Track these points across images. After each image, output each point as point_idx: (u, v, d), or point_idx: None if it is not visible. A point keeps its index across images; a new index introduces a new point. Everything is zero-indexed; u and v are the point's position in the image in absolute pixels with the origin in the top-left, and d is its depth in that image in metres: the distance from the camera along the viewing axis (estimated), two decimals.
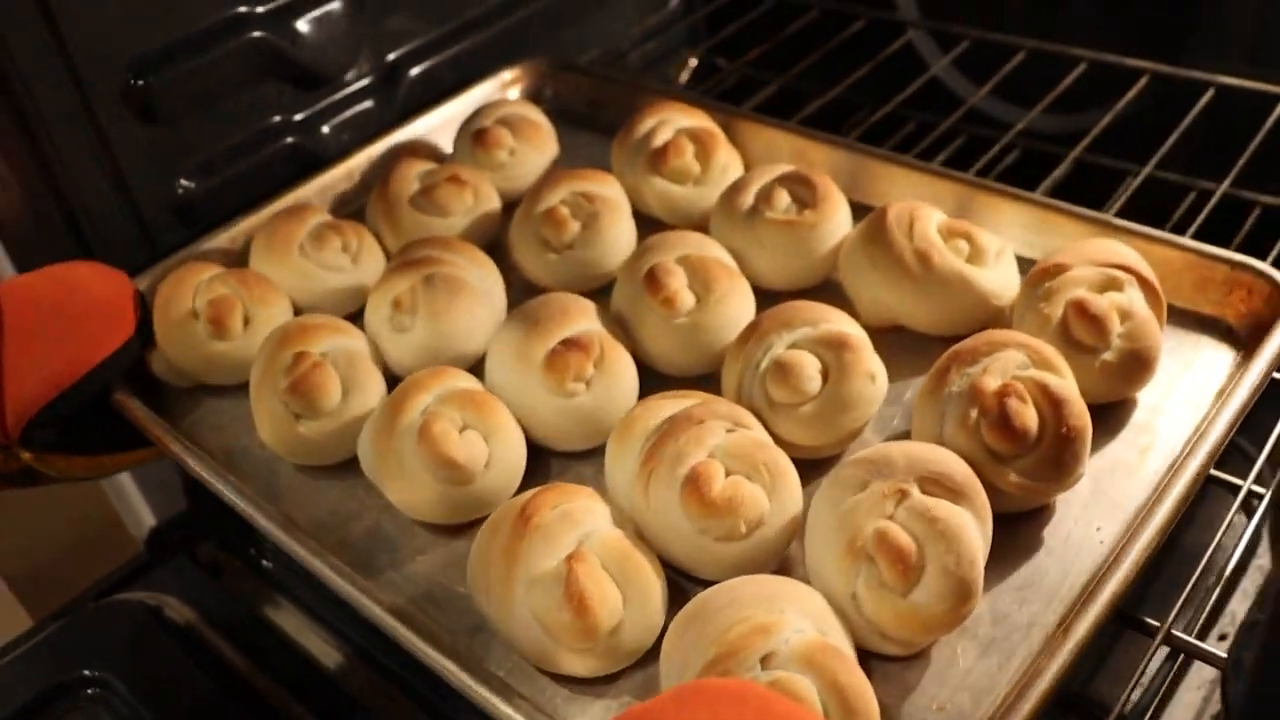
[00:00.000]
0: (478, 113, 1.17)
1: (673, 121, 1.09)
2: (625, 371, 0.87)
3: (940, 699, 0.69)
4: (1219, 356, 0.90)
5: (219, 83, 1.13)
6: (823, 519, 0.72)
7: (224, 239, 1.07)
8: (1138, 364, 0.84)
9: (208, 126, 1.14)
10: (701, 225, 1.03)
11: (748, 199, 0.98)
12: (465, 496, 0.80)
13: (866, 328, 0.90)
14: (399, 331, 0.92)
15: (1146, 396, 0.87)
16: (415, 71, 1.30)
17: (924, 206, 0.94)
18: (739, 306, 0.91)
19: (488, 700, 0.68)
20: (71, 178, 1.05)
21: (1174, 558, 0.89)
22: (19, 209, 1.08)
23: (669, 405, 0.80)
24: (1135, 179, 1.13)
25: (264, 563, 1.07)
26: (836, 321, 0.85)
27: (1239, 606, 0.92)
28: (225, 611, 1.00)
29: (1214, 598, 0.83)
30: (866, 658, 0.71)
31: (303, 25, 1.19)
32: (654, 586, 0.72)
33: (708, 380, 0.90)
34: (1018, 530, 0.78)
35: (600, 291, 0.98)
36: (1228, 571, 0.84)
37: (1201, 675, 0.87)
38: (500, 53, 1.34)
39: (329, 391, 0.86)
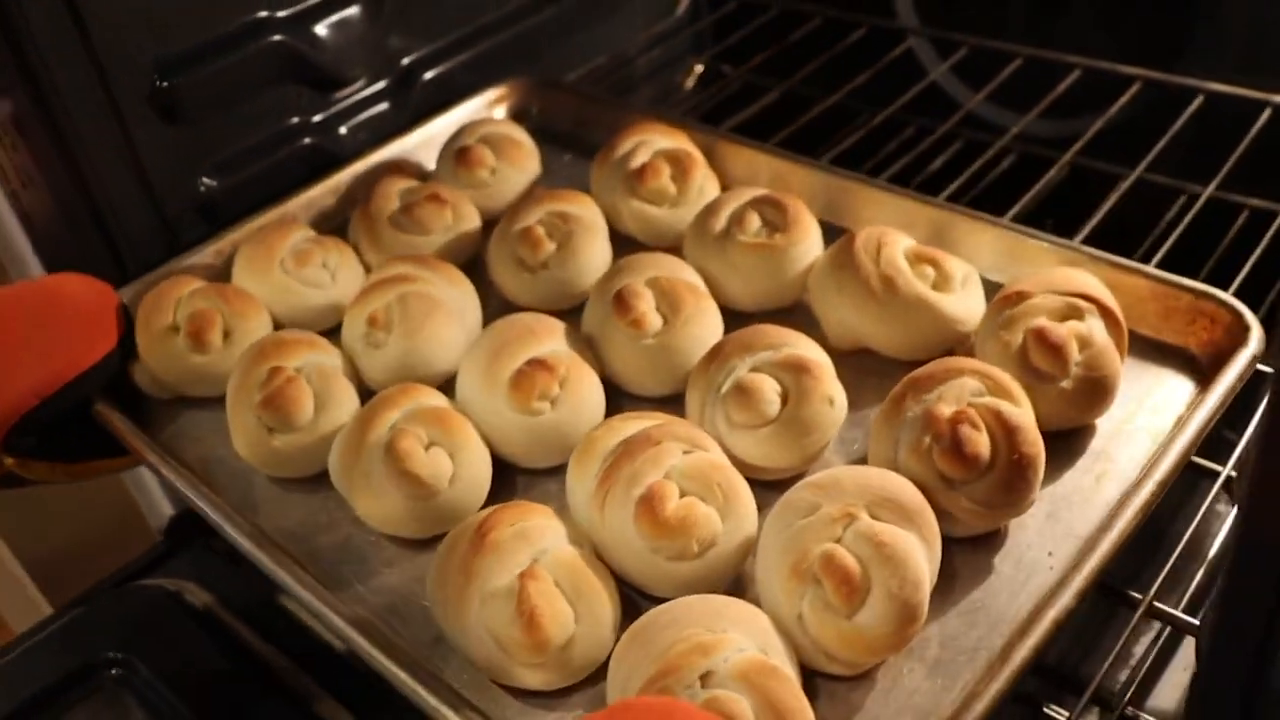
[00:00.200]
0: (461, 131, 1.20)
1: (651, 143, 1.11)
2: (590, 391, 0.89)
3: (883, 719, 0.71)
4: (1180, 385, 0.91)
5: (240, 85, 1.18)
6: (772, 540, 0.74)
7: (209, 253, 1.09)
8: (1096, 392, 0.86)
9: (229, 127, 1.19)
10: (678, 245, 1.04)
11: (720, 222, 1.00)
12: (430, 511, 0.82)
13: (833, 351, 0.92)
14: (374, 348, 0.94)
15: (1106, 424, 0.88)
16: (428, 76, 1.35)
17: (892, 232, 0.96)
18: (706, 328, 0.92)
19: (438, 710, 0.69)
20: (98, 176, 1.09)
21: (1159, 540, 0.91)
22: (46, 206, 1.12)
23: (629, 426, 0.81)
24: (1125, 182, 1.16)
25: None
26: (798, 345, 0.87)
27: None
28: (242, 596, 1.02)
29: (1198, 578, 0.85)
30: (812, 677, 0.72)
31: (321, 30, 1.23)
32: (605, 604, 0.73)
33: (675, 401, 0.91)
34: (970, 554, 0.80)
35: (575, 311, 1.00)
36: (1211, 554, 0.87)
37: (1188, 655, 0.89)
38: (511, 59, 1.40)
39: (302, 406, 0.88)
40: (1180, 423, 0.86)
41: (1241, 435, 0.92)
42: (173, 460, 0.90)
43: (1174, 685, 0.88)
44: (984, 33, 1.38)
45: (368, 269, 1.07)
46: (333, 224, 1.17)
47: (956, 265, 0.95)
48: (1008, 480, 0.77)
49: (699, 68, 1.62)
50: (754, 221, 0.99)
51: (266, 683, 0.94)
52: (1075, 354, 0.86)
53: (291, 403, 0.87)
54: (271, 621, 1.00)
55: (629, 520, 0.75)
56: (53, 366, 0.91)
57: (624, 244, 1.08)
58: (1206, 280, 0.95)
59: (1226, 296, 0.92)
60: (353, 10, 1.25)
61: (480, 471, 0.85)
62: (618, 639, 0.72)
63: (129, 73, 1.08)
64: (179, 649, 0.96)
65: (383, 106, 1.32)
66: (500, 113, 1.31)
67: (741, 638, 0.68)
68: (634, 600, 0.78)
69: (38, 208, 1.12)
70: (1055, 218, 1.20)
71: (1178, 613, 0.82)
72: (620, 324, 0.91)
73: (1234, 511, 0.91)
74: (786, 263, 0.98)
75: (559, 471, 0.87)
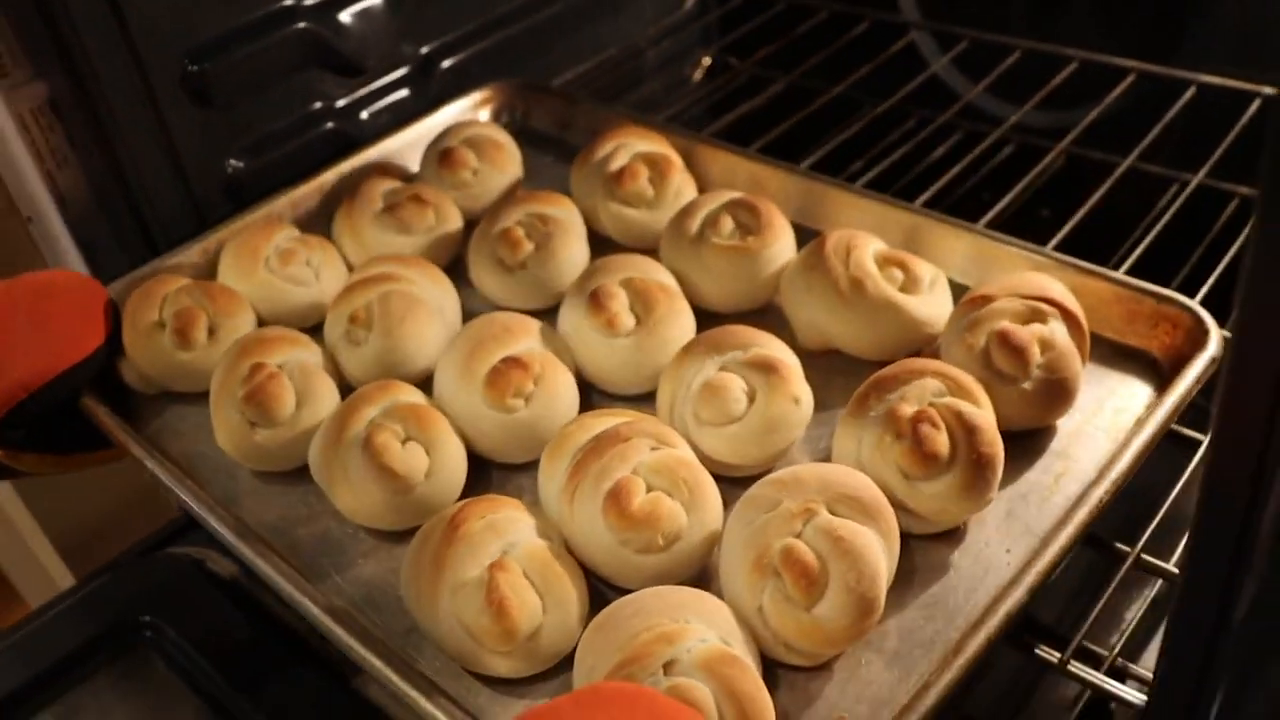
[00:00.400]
0: (445, 133, 1.22)
1: (630, 146, 1.14)
2: (564, 389, 0.91)
3: (841, 709, 0.73)
4: (1142, 388, 0.93)
5: (268, 70, 1.24)
6: (735, 535, 0.76)
7: (195, 252, 1.11)
8: (1057, 393, 0.88)
9: (256, 110, 1.25)
10: (655, 247, 1.07)
11: (695, 224, 1.02)
12: (407, 504, 0.84)
13: (804, 351, 0.94)
14: (354, 345, 0.96)
15: (1067, 425, 0.91)
16: (447, 64, 1.41)
17: (862, 235, 0.98)
18: (678, 329, 0.95)
19: (411, 696, 0.72)
20: (131, 157, 1.15)
21: (1150, 506, 0.93)
22: (80, 185, 1.18)
23: (601, 422, 0.84)
24: (1118, 170, 1.20)
25: None
26: (766, 346, 0.89)
27: None
28: None
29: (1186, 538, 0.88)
30: (773, 668, 0.75)
31: (345, 17, 1.29)
32: (573, 594, 0.76)
33: (648, 399, 0.94)
34: (930, 551, 0.82)
35: (553, 310, 1.02)
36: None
37: None
38: (525, 49, 1.46)
39: (284, 401, 0.90)
40: (1139, 424, 0.88)
41: None
42: (158, 454, 0.92)
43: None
44: (984, 27, 1.43)
45: (351, 268, 1.09)
46: (317, 223, 1.19)
47: (924, 268, 0.97)
48: (967, 478, 0.80)
49: (707, 60, 1.67)
50: (728, 224, 1.01)
51: (290, 646, 0.95)
52: (1037, 356, 0.88)
53: (273, 398, 0.89)
54: None
55: (597, 513, 0.77)
56: (41, 361, 0.93)
57: (603, 245, 1.10)
58: (1198, 266, 0.98)
59: (1188, 301, 0.94)
60: (375, 0, 1.31)
61: (455, 466, 0.87)
62: (585, 629, 0.75)
63: (162, 58, 1.15)
64: (205, 614, 0.98)
65: (403, 93, 1.38)
66: (484, 115, 1.33)
67: (704, 628, 0.70)
68: (602, 592, 0.81)
69: (72, 187, 1.18)
70: (1051, 206, 1.24)
71: (1159, 562, 0.86)
72: (594, 324, 0.93)
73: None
74: (759, 265, 1.00)
75: (533, 467, 0.89)
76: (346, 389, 0.95)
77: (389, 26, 1.34)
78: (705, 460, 0.84)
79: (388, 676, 0.73)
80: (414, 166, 1.26)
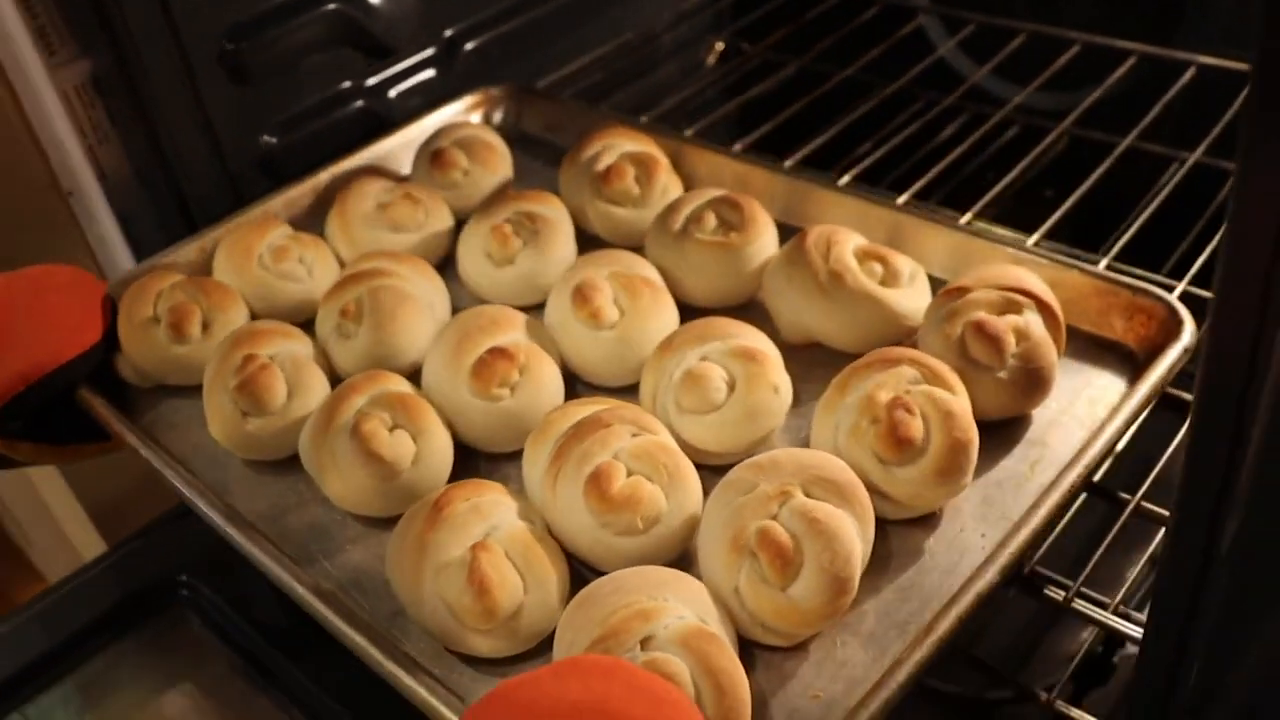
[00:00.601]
0: (436, 134, 1.24)
1: (617, 146, 1.16)
2: (549, 379, 0.93)
3: (816, 688, 0.74)
4: (1117, 378, 0.95)
5: (301, 49, 1.30)
6: (713, 517, 0.78)
7: (192, 249, 1.13)
8: (1032, 383, 0.89)
9: (289, 88, 1.31)
10: (641, 245, 1.08)
11: (679, 221, 1.04)
12: (393, 490, 0.86)
13: (786, 344, 0.96)
14: (345, 338, 0.98)
15: (1043, 414, 0.92)
16: (469, 46, 1.47)
17: (843, 231, 1.00)
18: (661, 321, 0.96)
19: (395, 675, 0.73)
20: (169, 132, 1.21)
21: (1148, 460, 0.97)
22: (120, 160, 1.23)
23: (583, 410, 0.86)
24: (1118, 149, 1.24)
25: None
26: (747, 337, 0.91)
27: None
28: None
29: None
30: (750, 648, 0.76)
31: (375, 0, 1.34)
32: (553, 575, 0.77)
33: (632, 390, 0.95)
34: (907, 536, 0.84)
35: (541, 306, 1.04)
36: None
37: None
38: (545, 33, 1.52)
39: (275, 391, 0.92)
40: (1113, 412, 0.90)
41: None
42: (152, 444, 0.95)
43: None
44: (990, 11, 1.48)
45: (343, 265, 1.11)
46: (311, 222, 1.21)
47: (904, 262, 0.99)
48: (941, 463, 0.81)
49: (720, 45, 1.71)
50: (711, 220, 1.03)
51: None
52: (1012, 346, 0.89)
53: (265, 388, 0.91)
54: None
55: (578, 496, 0.79)
56: (40, 354, 0.95)
57: (590, 243, 1.12)
58: (1195, 241, 1.00)
59: (1162, 293, 0.96)
60: None
61: (441, 453, 0.89)
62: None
63: (202, 37, 1.20)
64: (239, 574, 0.98)
65: (429, 73, 1.44)
66: (476, 118, 1.35)
67: (681, 606, 0.72)
68: (583, 575, 0.82)
69: (112, 162, 1.23)
70: (1055, 186, 1.27)
71: (1157, 508, 0.90)
72: (579, 316, 0.95)
73: None
74: (741, 260, 1.02)
75: (519, 456, 0.90)
76: (337, 382, 0.97)
77: (416, 9, 1.40)
78: (687, 448, 0.86)
79: (371, 655, 0.75)
80: (406, 169, 1.28)
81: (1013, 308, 0.92)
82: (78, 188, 1.19)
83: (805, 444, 0.91)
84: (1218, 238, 1.08)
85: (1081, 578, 0.88)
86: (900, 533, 0.84)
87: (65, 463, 1.03)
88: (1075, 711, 0.86)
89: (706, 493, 0.82)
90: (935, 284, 1.01)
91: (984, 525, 0.84)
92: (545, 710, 0.61)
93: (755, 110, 1.42)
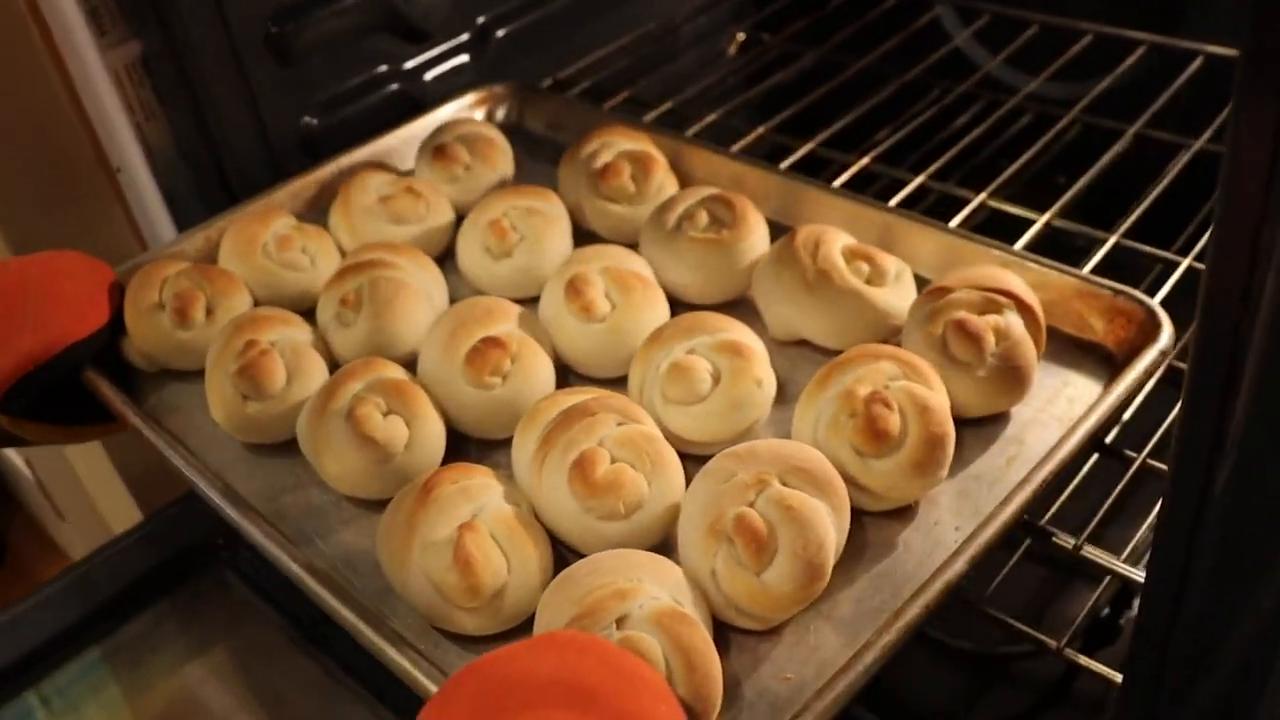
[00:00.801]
0: (439, 130, 1.27)
1: (615, 145, 1.18)
2: (540, 369, 0.95)
3: (788, 671, 0.77)
4: (1096, 379, 0.97)
5: (342, 33, 1.36)
6: (692, 503, 0.80)
7: (199, 238, 1.17)
8: (1011, 381, 0.92)
9: (330, 71, 1.37)
10: (637, 240, 1.11)
11: (672, 218, 1.07)
12: (386, 473, 0.89)
13: (774, 341, 0.99)
14: (344, 326, 1.01)
15: (1022, 412, 0.94)
16: (501, 33, 1.53)
17: (831, 230, 1.02)
18: (651, 315, 0.99)
19: (381, 649, 0.76)
20: (215, 111, 1.26)
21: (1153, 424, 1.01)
22: (167, 138, 1.30)
23: (572, 398, 0.88)
24: (1126, 135, 1.28)
25: None
26: (734, 332, 0.93)
27: None
28: None
29: None
30: (725, 631, 0.78)
31: None
32: (536, 556, 0.80)
33: (622, 383, 0.98)
34: (883, 527, 0.86)
35: (537, 299, 1.06)
36: None
37: None
38: (571, 21, 1.59)
39: (274, 376, 0.95)
40: (1089, 410, 0.92)
41: None
42: (155, 425, 0.98)
43: None
44: (1004, 2, 1.52)
45: (345, 255, 1.14)
46: (315, 214, 1.24)
47: (890, 262, 1.01)
48: (917, 456, 0.84)
49: (740, 36, 1.74)
50: (703, 218, 1.06)
51: None
52: (992, 345, 0.91)
53: (265, 373, 0.94)
54: None
55: (563, 481, 0.82)
56: (48, 336, 0.98)
57: (588, 239, 1.14)
58: (1200, 226, 1.02)
59: (1142, 296, 0.98)
60: None
61: (434, 438, 0.91)
62: None
63: (248, 20, 1.25)
64: None
65: (463, 58, 1.51)
66: (479, 115, 1.38)
67: (656, 588, 0.74)
68: (567, 558, 0.84)
69: (159, 140, 1.28)
70: (1066, 172, 1.30)
71: (1161, 464, 0.95)
72: (572, 308, 0.98)
73: None
74: (732, 257, 1.04)
75: (510, 443, 0.93)
76: (336, 368, 0.99)
77: None
78: (671, 438, 0.88)
79: (360, 630, 0.77)
80: (408, 165, 1.31)
81: (993, 308, 0.94)
82: (125, 164, 1.24)
83: (788, 437, 0.94)
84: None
85: (1090, 527, 0.92)
86: (877, 524, 0.86)
87: (70, 443, 1.06)
88: (1085, 659, 0.88)
89: (689, 482, 0.85)
90: (924, 285, 1.03)
91: (959, 519, 0.86)
92: (520, 683, 0.64)
93: (776, 99, 1.46)
